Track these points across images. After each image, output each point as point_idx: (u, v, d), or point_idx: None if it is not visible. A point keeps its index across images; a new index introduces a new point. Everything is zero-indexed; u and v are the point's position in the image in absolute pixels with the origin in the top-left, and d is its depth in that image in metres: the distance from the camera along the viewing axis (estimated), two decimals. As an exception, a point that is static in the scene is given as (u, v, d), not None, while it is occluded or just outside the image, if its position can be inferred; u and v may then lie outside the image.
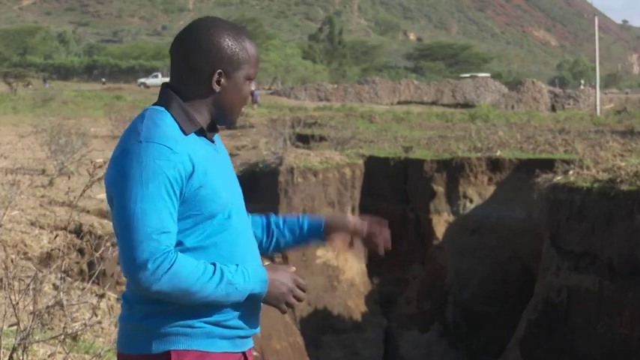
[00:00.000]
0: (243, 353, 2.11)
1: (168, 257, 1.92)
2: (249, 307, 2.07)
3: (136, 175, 1.94)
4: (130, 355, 2.04)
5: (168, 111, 2.07)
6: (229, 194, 2.09)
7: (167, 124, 2.03)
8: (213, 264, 1.98)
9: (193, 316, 1.99)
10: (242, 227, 2.12)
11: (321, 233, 2.32)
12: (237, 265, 2.02)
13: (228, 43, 2.09)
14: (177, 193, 1.97)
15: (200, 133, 2.09)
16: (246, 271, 2.00)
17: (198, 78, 2.09)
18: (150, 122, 2.03)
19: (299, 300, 2.10)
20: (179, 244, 2.00)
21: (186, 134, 2.04)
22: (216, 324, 2.02)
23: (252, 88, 2.14)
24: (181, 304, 1.96)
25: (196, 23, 2.14)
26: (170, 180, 1.95)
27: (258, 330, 2.16)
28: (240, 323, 2.06)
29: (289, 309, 2.11)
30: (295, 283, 2.08)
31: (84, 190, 4.07)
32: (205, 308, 2.00)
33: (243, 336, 2.09)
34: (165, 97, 2.10)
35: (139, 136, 1.99)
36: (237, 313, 2.05)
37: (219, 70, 2.08)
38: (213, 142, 2.14)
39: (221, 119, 2.14)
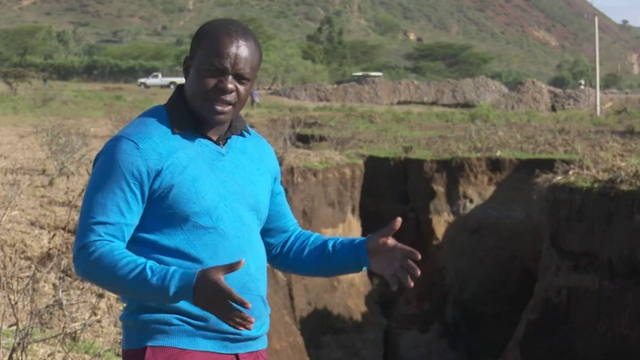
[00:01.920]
0: (236, 355, 2.06)
1: (94, 245, 1.93)
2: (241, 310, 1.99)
3: (97, 167, 2.01)
4: (123, 350, 2.08)
5: (166, 109, 2.09)
6: (223, 199, 2.04)
7: (154, 121, 2.04)
8: (147, 262, 1.91)
9: (173, 313, 1.99)
10: (235, 234, 2.05)
11: (362, 250, 2.12)
12: (172, 267, 1.91)
13: (202, 32, 2.07)
14: (135, 188, 1.97)
15: (198, 132, 2.06)
16: (172, 273, 1.88)
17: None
18: (138, 119, 2.07)
19: (244, 321, 1.84)
20: (153, 243, 1.99)
21: (173, 132, 2.03)
22: (198, 324, 2.00)
23: (224, 83, 2.01)
24: (115, 293, 2.04)
25: None
26: (125, 174, 1.96)
27: (257, 333, 2.10)
28: (227, 326, 1.99)
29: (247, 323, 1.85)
30: (229, 298, 1.82)
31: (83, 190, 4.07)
32: (189, 308, 1.97)
33: (233, 339, 2.04)
34: (171, 95, 2.13)
35: (119, 132, 2.05)
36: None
37: (184, 56, 2.09)
38: (218, 144, 2.09)
39: (198, 114, 2.06)
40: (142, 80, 59.18)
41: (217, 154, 2.08)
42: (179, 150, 2.02)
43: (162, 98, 41.24)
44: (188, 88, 2.07)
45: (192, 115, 2.06)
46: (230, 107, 2.05)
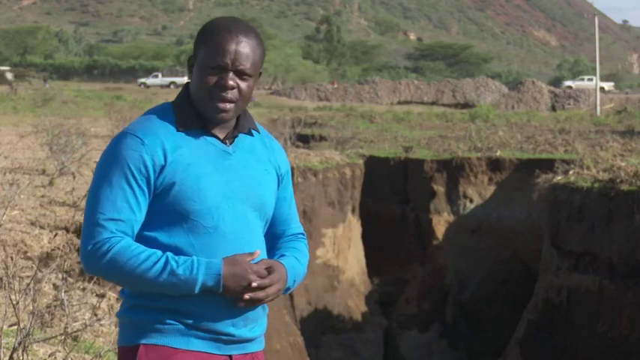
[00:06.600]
0: (230, 357, 2.05)
1: (109, 242, 1.93)
2: (235, 311, 2.02)
3: (103, 163, 2.01)
4: (118, 347, 2.09)
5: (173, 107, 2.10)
6: (226, 199, 2.03)
7: (159, 118, 2.05)
8: (166, 254, 1.95)
9: (169, 313, 1.99)
10: (236, 235, 2.04)
11: None
12: (194, 257, 1.97)
13: (204, 31, 2.08)
14: (142, 183, 1.98)
15: (204, 131, 2.07)
16: (198, 263, 1.95)
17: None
18: (144, 116, 2.08)
19: (266, 291, 1.98)
20: (153, 240, 1.99)
21: (178, 130, 2.04)
22: (193, 324, 2.00)
23: (224, 80, 2.02)
24: (134, 288, 1.99)
25: None
26: (132, 170, 1.97)
27: (253, 334, 2.09)
28: (219, 327, 2.02)
29: (265, 300, 2.01)
30: (257, 275, 1.98)
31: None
32: (183, 307, 1.98)
33: (227, 340, 2.04)
34: (179, 93, 2.14)
35: (125, 128, 2.06)
36: (218, 316, 2.01)
37: (189, 55, 2.11)
38: (225, 142, 2.09)
39: (202, 112, 2.07)
40: (142, 80, 59.14)
41: (223, 153, 2.08)
42: (183, 147, 2.02)
43: (162, 98, 41.20)
44: (192, 87, 2.08)
45: (198, 113, 2.07)
46: (232, 105, 2.06)
